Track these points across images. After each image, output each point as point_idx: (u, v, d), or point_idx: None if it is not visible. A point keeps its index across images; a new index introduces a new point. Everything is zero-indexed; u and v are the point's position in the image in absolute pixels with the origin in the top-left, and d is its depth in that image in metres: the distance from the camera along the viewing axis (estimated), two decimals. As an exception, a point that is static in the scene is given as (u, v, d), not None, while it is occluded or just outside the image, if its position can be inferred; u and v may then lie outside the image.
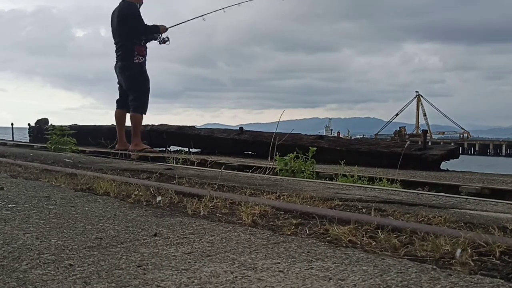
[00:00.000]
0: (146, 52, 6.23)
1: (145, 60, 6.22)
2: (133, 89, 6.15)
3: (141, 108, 6.22)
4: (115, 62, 6.27)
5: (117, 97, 6.39)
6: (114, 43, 6.25)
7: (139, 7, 6.23)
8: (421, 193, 2.54)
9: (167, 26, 6.35)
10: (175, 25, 6.54)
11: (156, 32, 6.25)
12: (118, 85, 6.36)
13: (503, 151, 58.85)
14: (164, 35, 6.31)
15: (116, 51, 6.22)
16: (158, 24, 6.32)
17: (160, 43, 6.33)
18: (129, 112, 6.32)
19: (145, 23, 6.16)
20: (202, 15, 6.68)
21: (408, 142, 7.50)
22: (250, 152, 7.54)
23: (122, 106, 6.34)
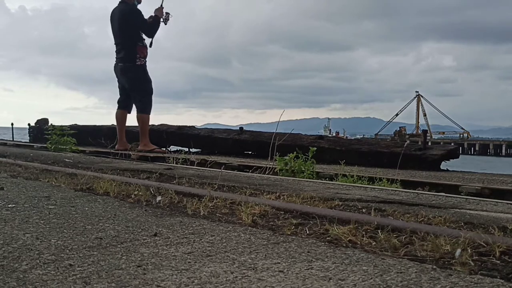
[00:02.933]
0: (147, 53, 6.25)
1: (146, 61, 6.25)
2: (137, 91, 6.20)
3: (147, 108, 6.29)
4: (115, 63, 6.28)
5: (119, 97, 6.43)
6: (115, 44, 6.26)
7: (138, 3, 6.24)
8: (421, 193, 2.54)
9: (159, 6, 6.26)
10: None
11: (158, 24, 6.23)
12: (118, 86, 6.38)
13: (503, 151, 58.85)
14: (164, 15, 6.27)
15: (117, 52, 6.23)
16: (152, 13, 6.25)
17: (165, 23, 6.28)
18: (129, 113, 6.37)
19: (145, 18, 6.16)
20: None
21: (408, 141, 7.50)
22: (250, 152, 7.54)
23: (123, 106, 6.37)
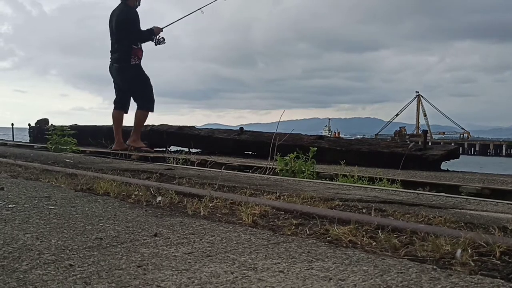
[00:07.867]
0: (142, 55, 6.30)
1: (140, 62, 6.29)
2: (136, 89, 6.23)
3: (150, 105, 6.32)
4: (110, 64, 6.31)
5: (115, 97, 6.45)
6: (111, 44, 6.29)
7: (138, 6, 6.28)
8: (421, 193, 2.54)
9: (161, 27, 6.37)
10: (169, 25, 6.52)
11: (151, 36, 6.28)
12: (114, 86, 6.41)
13: (503, 151, 58.84)
14: (160, 35, 6.32)
15: (112, 52, 6.27)
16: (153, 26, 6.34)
17: (156, 44, 6.36)
18: (126, 113, 6.40)
19: (141, 28, 6.20)
20: (199, 8, 6.60)
21: (413, 143, 7.49)
22: (250, 152, 7.55)
23: (120, 107, 6.40)
